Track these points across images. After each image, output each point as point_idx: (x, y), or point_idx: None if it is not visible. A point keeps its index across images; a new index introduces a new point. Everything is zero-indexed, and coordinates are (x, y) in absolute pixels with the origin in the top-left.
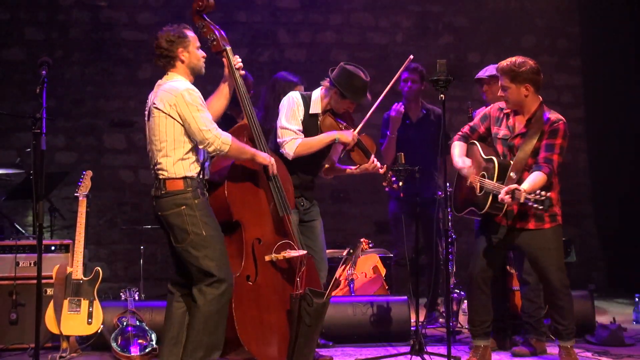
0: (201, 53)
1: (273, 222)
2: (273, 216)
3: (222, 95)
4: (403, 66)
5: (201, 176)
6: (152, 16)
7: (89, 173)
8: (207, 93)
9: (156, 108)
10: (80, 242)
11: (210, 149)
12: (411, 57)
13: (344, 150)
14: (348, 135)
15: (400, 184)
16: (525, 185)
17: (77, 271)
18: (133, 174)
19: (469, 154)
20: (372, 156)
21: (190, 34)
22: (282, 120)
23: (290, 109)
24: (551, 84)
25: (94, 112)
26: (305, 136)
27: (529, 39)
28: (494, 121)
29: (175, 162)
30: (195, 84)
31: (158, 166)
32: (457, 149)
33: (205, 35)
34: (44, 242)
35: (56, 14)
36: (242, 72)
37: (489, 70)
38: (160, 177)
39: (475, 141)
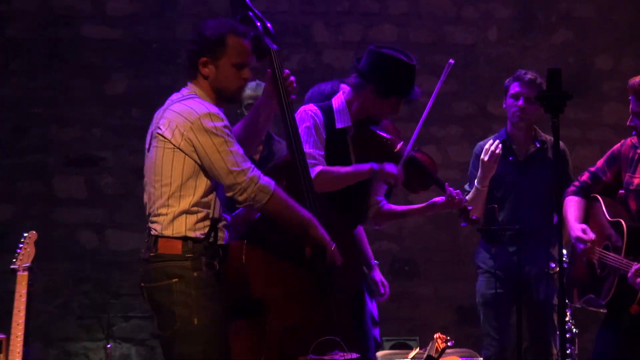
0: (243, 74)
1: (315, 305)
2: (315, 297)
3: (257, 122)
4: (444, 74)
5: (212, 239)
6: (127, 5)
7: (33, 235)
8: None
9: (161, 135)
10: (18, 338)
11: (240, 198)
12: (451, 61)
13: (390, 189)
14: (392, 169)
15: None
16: None
17: None
18: (97, 236)
19: (589, 214)
20: (446, 184)
21: (234, 40)
22: None
23: (306, 127)
24: None
25: (43, 144)
26: (331, 160)
27: None
28: (626, 164)
29: (177, 214)
30: None
31: (153, 218)
32: (573, 209)
33: None
34: None
35: None
36: (294, 88)
37: None
38: (152, 232)
39: (597, 195)
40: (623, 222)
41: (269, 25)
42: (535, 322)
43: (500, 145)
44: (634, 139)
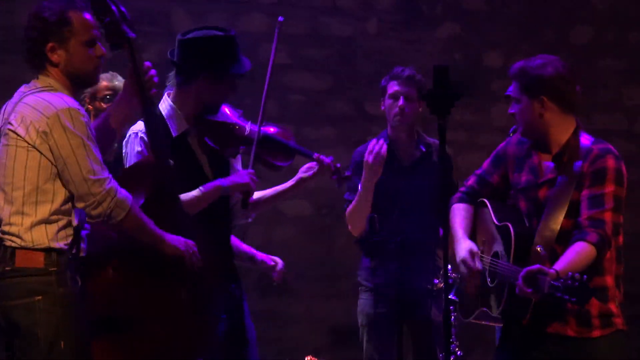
0: (95, 51)
1: (185, 324)
2: (186, 315)
3: (115, 121)
4: (276, 35)
5: (75, 250)
6: None
7: None
8: None
9: (13, 132)
10: None
11: (94, 212)
12: (281, 19)
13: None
14: (243, 178)
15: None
16: (560, 266)
17: None
18: None
19: (478, 220)
20: (315, 153)
21: (77, 16)
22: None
23: (138, 153)
24: (618, 104)
25: None
26: (181, 173)
27: (583, 32)
28: (512, 164)
29: (35, 223)
30: None
31: (5, 228)
32: (459, 218)
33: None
34: None
35: None
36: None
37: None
38: (8, 243)
39: (485, 200)
40: (510, 227)
41: (124, 10)
42: (422, 341)
43: (385, 145)
44: (519, 135)
